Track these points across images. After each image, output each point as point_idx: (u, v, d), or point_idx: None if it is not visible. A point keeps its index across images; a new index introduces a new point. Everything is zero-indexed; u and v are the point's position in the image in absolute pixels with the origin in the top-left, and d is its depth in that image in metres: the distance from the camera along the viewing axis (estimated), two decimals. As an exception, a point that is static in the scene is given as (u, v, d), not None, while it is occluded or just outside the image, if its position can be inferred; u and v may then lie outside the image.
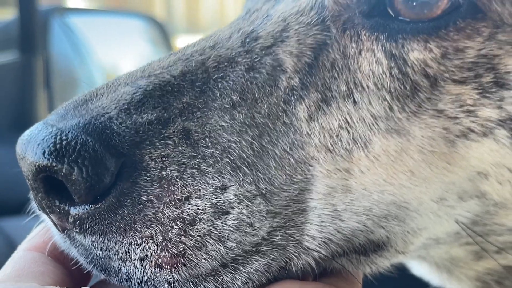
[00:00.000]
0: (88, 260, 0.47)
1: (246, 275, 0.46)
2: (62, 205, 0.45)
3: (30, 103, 1.93)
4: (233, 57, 0.51)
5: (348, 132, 0.49)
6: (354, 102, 0.50)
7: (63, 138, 0.43)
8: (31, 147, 0.44)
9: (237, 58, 0.51)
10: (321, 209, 0.49)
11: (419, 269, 0.72)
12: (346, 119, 0.50)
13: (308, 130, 0.49)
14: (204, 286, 0.46)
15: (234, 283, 0.47)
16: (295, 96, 0.50)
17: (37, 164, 0.43)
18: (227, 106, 0.49)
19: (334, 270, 0.52)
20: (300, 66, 0.51)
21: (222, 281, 0.46)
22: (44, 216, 0.51)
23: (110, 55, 2.74)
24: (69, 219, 0.45)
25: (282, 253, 0.48)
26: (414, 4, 0.49)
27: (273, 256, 0.47)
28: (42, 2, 1.97)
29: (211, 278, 0.46)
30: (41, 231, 0.52)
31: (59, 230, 0.48)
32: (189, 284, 0.46)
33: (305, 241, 0.48)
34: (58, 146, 0.43)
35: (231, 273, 0.46)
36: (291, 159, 0.48)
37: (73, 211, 0.45)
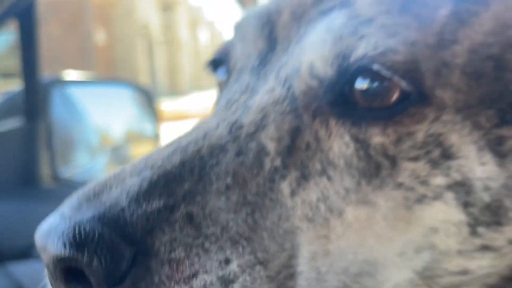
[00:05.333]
0: None
1: None
2: None
3: (34, 162, 1.83)
4: (223, 144, 0.49)
5: (325, 203, 0.48)
6: (328, 178, 0.49)
7: (82, 230, 0.40)
8: (51, 240, 0.41)
9: (227, 145, 0.49)
10: (308, 273, 0.47)
11: None
12: (323, 193, 0.48)
13: (292, 204, 0.48)
14: None
15: None
16: (278, 175, 0.48)
17: (59, 256, 0.40)
18: (222, 189, 0.47)
19: None
20: (280, 148, 0.49)
21: None
22: None
23: (103, 118, 2.68)
24: None
25: None
26: (369, 95, 0.49)
27: None
28: (43, 74, 1.89)
29: None
30: None
31: None
32: None
33: None
34: (78, 238, 0.40)
35: None
36: (280, 230, 0.47)
37: None
